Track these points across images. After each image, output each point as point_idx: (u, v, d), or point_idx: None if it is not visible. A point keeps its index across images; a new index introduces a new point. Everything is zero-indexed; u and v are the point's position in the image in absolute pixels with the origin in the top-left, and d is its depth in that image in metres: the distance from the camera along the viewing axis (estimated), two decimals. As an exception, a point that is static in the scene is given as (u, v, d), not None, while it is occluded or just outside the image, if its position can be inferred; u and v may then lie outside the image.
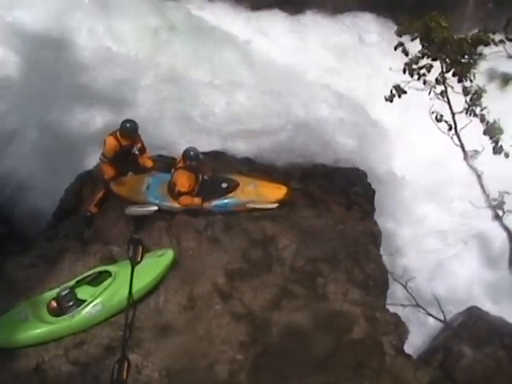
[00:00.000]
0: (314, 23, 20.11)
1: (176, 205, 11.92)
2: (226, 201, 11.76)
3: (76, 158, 14.87)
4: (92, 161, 13.78)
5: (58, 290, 10.04)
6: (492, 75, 9.49)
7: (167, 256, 10.44)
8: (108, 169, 12.30)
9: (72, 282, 10.15)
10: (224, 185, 11.98)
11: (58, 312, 9.79)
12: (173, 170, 11.96)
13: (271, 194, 11.97)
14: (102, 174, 12.53)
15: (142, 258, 9.83)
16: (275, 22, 19.88)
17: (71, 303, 9.81)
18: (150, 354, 9.41)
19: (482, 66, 9.28)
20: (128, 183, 12.37)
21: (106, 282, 10.03)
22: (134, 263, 9.76)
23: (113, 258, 10.96)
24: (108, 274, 10.18)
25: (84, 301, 9.84)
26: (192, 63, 17.94)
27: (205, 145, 13.04)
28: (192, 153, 11.70)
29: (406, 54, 9.60)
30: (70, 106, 16.22)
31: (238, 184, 12.03)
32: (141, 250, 9.89)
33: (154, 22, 18.88)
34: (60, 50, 17.37)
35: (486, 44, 9.24)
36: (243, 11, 20.15)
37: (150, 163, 12.53)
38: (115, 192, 12.33)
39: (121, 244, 10.98)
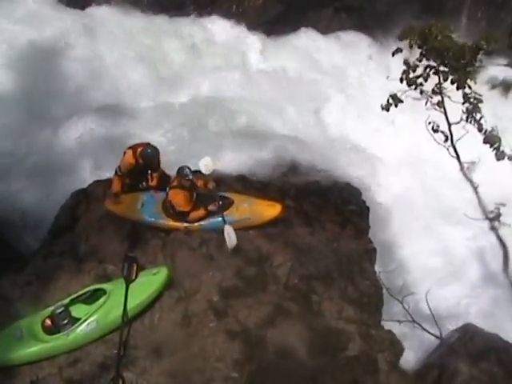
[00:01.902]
0: (308, 41, 20.29)
1: (171, 223, 11.93)
2: (220, 219, 11.71)
3: (70, 174, 14.91)
4: (86, 178, 13.84)
5: (52, 308, 10.01)
6: (493, 83, 9.57)
7: (162, 274, 10.43)
8: (116, 182, 12.40)
9: (66, 300, 10.12)
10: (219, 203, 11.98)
11: (53, 330, 9.76)
12: (168, 189, 11.97)
13: (265, 211, 11.94)
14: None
15: (136, 276, 9.79)
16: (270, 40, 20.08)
17: (66, 321, 9.79)
18: (145, 372, 9.37)
19: (481, 75, 9.35)
20: (123, 201, 12.38)
21: (101, 300, 10.00)
22: (129, 281, 9.69)
23: (107, 276, 10.95)
24: (102, 292, 10.16)
25: (78, 319, 9.81)
26: (191, 77, 18.09)
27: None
28: (185, 171, 11.71)
29: (407, 66, 9.65)
30: (63, 122, 16.29)
31: (233, 202, 12.01)
32: (135, 268, 9.86)
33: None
34: (51, 67, 17.47)
35: (486, 52, 9.31)
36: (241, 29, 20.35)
37: (154, 183, 12.55)
38: (110, 210, 12.35)
39: (115, 262, 10.93)
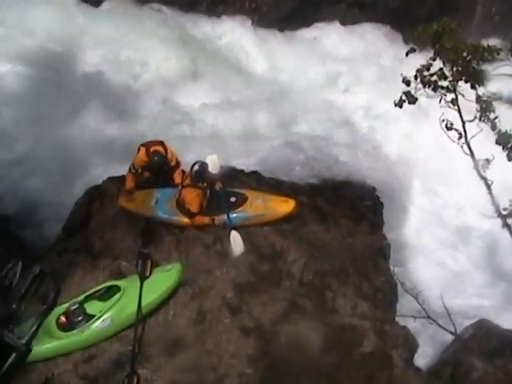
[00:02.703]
0: (322, 36, 20.26)
1: (184, 219, 11.92)
2: (234, 215, 11.68)
3: (84, 171, 14.96)
4: (100, 174, 13.87)
5: (67, 304, 10.02)
6: (498, 96, 9.51)
7: (176, 270, 10.43)
8: (130, 179, 12.38)
9: (81, 297, 10.14)
10: (233, 199, 11.90)
11: (68, 327, 9.78)
12: (180, 187, 11.99)
13: (279, 207, 11.91)
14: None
15: (150, 273, 9.81)
16: (279, 37, 20.06)
17: (80, 318, 9.80)
18: (160, 369, 9.38)
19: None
20: (136, 198, 12.39)
21: (115, 297, 10.02)
22: (143, 278, 9.73)
23: (121, 272, 10.96)
24: (117, 288, 10.17)
25: (93, 316, 9.83)
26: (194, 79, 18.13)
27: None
28: (198, 169, 11.73)
29: (408, 84, 9.63)
30: (77, 120, 16.33)
31: (247, 198, 11.97)
32: (150, 264, 9.87)
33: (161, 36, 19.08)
34: (67, 65, 17.54)
35: (491, 53, 9.26)
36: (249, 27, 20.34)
37: (178, 179, 12.45)
38: (123, 206, 12.38)
39: (129, 259, 10.95)
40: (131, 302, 9.72)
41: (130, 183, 12.36)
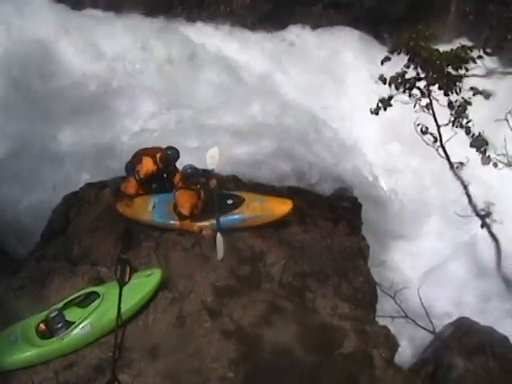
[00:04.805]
0: (297, 38, 20.31)
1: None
2: (231, 217, 11.70)
3: (62, 177, 14.90)
4: (78, 180, 13.84)
5: (46, 312, 9.98)
6: (474, 92, 9.61)
7: (155, 275, 10.41)
8: (133, 186, 12.43)
9: (60, 304, 10.10)
10: (229, 201, 11.91)
11: (47, 334, 9.73)
12: (174, 190, 11.99)
13: (276, 208, 11.91)
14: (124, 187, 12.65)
15: (129, 279, 9.80)
16: (255, 39, 20.09)
17: (60, 325, 9.75)
18: (141, 374, 9.35)
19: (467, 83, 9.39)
20: (134, 204, 12.39)
21: (95, 303, 9.97)
22: (122, 283, 9.72)
23: (101, 278, 10.92)
24: (96, 294, 10.12)
25: (73, 322, 9.78)
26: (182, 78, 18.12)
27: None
28: (189, 171, 11.73)
29: (384, 82, 9.72)
30: (54, 125, 16.24)
31: (244, 200, 11.97)
32: (128, 270, 9.86)
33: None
34: (43, 69, 17.42)
35: (465, 62, 9.36)
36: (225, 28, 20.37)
37: (181, 184, 12.42)
38: (121, 212, 12.37)
39: (109, 264, 10.97)
40: (111, 307, 9.70)
41: (131, 189, 12.38)
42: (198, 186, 11.74)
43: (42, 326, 9.79)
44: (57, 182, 14.86)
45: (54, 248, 12.41)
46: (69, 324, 9.78)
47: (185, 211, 11.65)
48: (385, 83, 9.83)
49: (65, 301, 10.18)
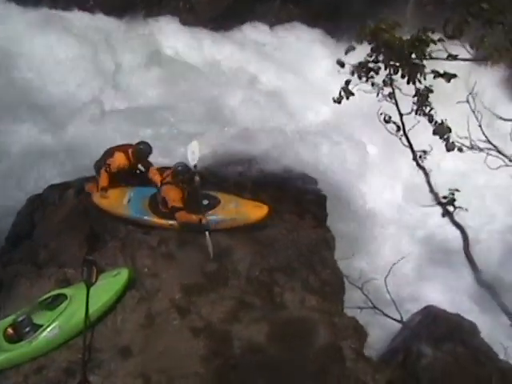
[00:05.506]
0: (253, 35, 20.36)
1: (155, 219, 11.90)
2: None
3: (25, 178, 14.76)
4: (41, 182, 13.75)
5: (13, 316, 9.95)
6: (437, 73, 9.64)
7: (122, 275, 10.41)
8: (105, 178, 12.35)
9: (28, 308, 10.05)
10: (205, 202, 11.83)
11: (16, 339, 9.70)
12: (160, 185, 11.95)
13: (252, 212, 11.87)
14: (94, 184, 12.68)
15: (96, 279, 9.79)
16: (214, 36, 20.10)
17: (28, 329, 9.73)
18: (111, 375, 9.38)
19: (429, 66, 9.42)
20: (110, 196, 12.32)
21: (62, 306, 9.95)
22: (89, 285, 9.72)
23: (68, 280, 10.89)
24: (64, 297, 10.10)
25: (41, 326, 9.75)
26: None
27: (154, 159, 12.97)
28: (179, 168, 11.72)
29: (342, 66, 9.73)
30: (12, 127, 16.11)
31: (220, 201, 11.96)
32: (95, 271, 9.85)
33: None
34: (4, 66, 17.31)
35: (427, 44, 9.40)
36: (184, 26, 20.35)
37: (158, 178, 12.43)
38: (96, 204, 12.31)
39: (75, 266, 10.88)
40: (78, 309, 9.70)
41: (104, 182, 12.34)
42: (185, 186, 11.75)
43: (10, 331, 9.75)
44: (20, 184, 14.71)
45: (20, 252, 12.29)
46: (37, 327, 9.75)
47: (178, 204, 11.58)
48: (342, 67, 9.83)
49: (32, 304, 10.13)
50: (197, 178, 11.87)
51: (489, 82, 17.55)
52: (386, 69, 9.63)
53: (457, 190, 9.85)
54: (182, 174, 11.68)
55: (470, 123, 9.30)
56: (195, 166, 12.09)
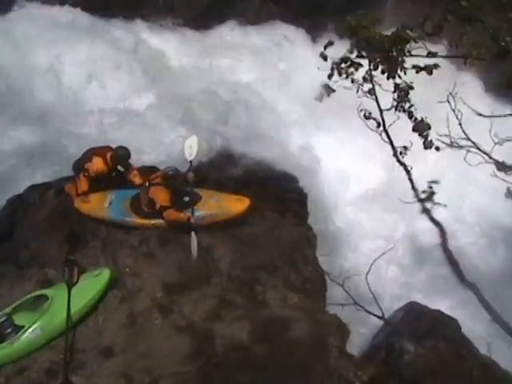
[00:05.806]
0: (234, 33, 20.38)
1: (138, 220, 11.92)
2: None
3: (4, 179, 14.69)
4: (21, 182, 13.69)
5: (-6, 318, 9.91)
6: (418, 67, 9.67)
7: (104, 275, 10.39)
8: (84, 182, 12.34)
9: (9, 309, 10.01)
10: (186, 198, 11.85)
11: (-3, 340, 9.66)
12: (148, 184, 11.94)
13: (233, 206, 11.91)
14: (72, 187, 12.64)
15: (77, 279, 9.75)
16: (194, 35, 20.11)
17: (9, 330, 9.67)
18: (93, 375, 9.32)
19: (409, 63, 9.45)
20: (91, 200, 12.31)
21: (44, 306, 9.91)
22: (71, 285, 9.67)
23: (49, 281, 10.85)
24: (45, 297, 10.06)
25: (22, 327, 9.69)
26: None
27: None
28: (170, 172, 11.75)
29: (325, 59, 9.72)
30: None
31: (201, 198, 11.97)
32: (76, 271, 9.81)
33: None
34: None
35: (406, 41, 9.43)
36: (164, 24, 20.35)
37: (138, 180, 12.53)
38: (77, 209, 12.28)
39: (56, 266, 10.82)
40: (60, 310, 9.64)
41: (83, 186, 12.33)
42: (172, 189, 11.76)
43: (-9, 332, 9.70)
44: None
45: (0, 253, 12.24)
46: (18, 328, 9.70)
47: (166, 203, 11.59)
48: (325, 60, 9.83)
49: (13, 305, 10.10)
50: (190, 175, 11.89)
51: (469, 80, 17.70)
52: (369, 64, 9.67)
53: (434, 182, 9.88)
54: (172, 179, 11.70)
55: (450, 122, 9.34)
56: (191, 162, 12.10)
